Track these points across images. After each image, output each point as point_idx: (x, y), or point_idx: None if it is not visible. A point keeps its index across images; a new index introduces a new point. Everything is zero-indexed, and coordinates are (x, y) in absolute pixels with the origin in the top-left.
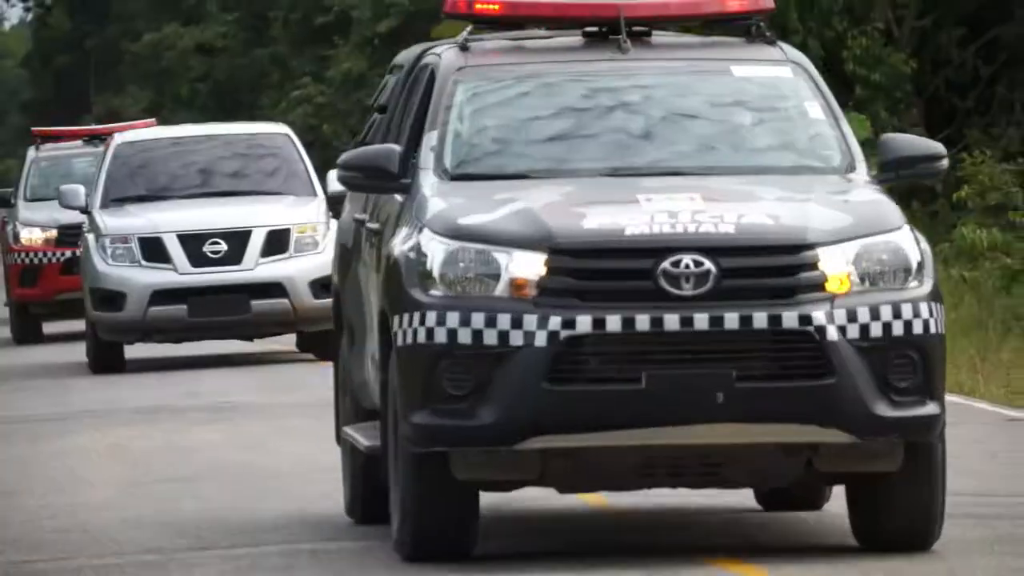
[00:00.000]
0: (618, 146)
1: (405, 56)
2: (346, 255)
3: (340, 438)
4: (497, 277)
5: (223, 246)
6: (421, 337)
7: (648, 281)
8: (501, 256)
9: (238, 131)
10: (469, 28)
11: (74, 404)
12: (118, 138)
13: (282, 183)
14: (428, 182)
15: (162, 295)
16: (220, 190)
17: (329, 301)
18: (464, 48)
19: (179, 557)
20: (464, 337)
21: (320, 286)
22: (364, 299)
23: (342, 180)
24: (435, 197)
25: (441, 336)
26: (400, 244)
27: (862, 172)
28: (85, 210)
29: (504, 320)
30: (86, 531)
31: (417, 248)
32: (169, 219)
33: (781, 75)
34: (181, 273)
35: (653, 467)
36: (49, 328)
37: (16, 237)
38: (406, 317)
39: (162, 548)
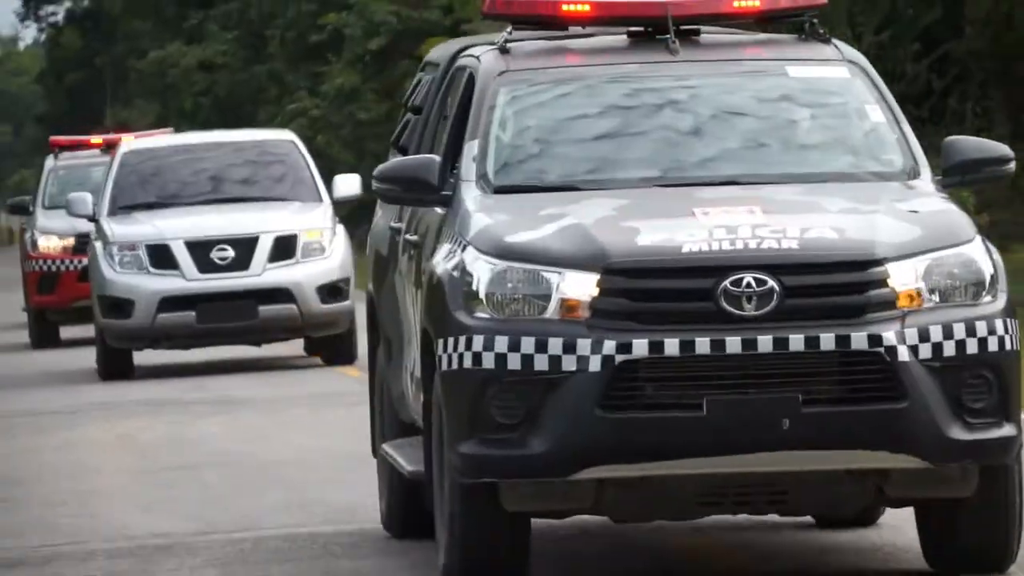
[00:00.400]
0: (669, 154)
1: (439, 53)
2: (381, 263)
3: (376, 451)
4: (547, 298)
5: (230, 252)
6: (467, 362)
7: (708, 302)
8: (551, 276)
9: (244, 138)
10: (508, 29)
11: (84, 399)
12: (125, 146)
13: (288, 189)
14: (470, 195)
15: (170, 302)
16: (227, 197)
17: (336, 306)
18: (504, 50)
19: (185, 540)
20: (513, 363)
21: (327, 291)
22: (402, 312)
23: (379, 193)
24: (479, 212)
25: (489, 361)
26: (443, 262)
27: (926, 178)
28: (92, 218)
29: (556, 344)
30: (97, 516)
31: (461, 267)
32: (176, 226)
33: (838, 75)
34: (189, 280)
35: (715, 495)
36: (66, 333)
37: (34, 245)
38: (451, 341)
39: (169, 532)
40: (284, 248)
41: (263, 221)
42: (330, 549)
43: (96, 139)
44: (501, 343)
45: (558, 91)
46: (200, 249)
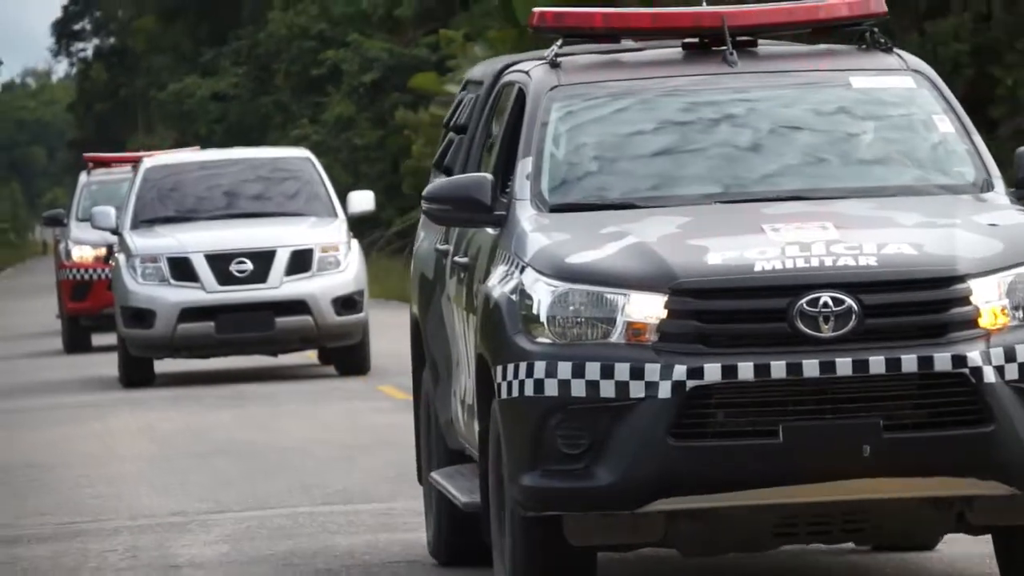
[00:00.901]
0: (730, 169)
1: (482, 71)
2: (427, 287)
3: (422, 478)
4: (612, 322)
5: (249, 265)
6: (529, 390)
7: (782, 323)
8: (616, 298)
9: (261, 155)
10: (558, 43)
11: (111, 395)
12: (147, 162)
13: (304, 205)
14: (526, 215)
15: (190, 312)
16: (245, 211)
17: (350, 318)
18: (554, 64)
19: (199, 519)
20: (578, 390)
21: (342, 304)
22: (450, 336)
23: (429, 213)
24: (536, 232)
25: (552, 389)
26: (499, 284)
27: (1000, 190)
28: (116, 231)
29: (622, 370)
30: (121, 498)
31: (519, 290)
32: (197, 239)
33: (904, 85)
34: (208, 291)
35: (791, 526)
36: (97, 340)
37: (68, 254)
38: (510, 367)
39: (184, 511)
40: (300, 262)
41: (280, 235)
42: (327, 527)
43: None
44: (564, 369)
45: (613, 106)
46: (219, 262)
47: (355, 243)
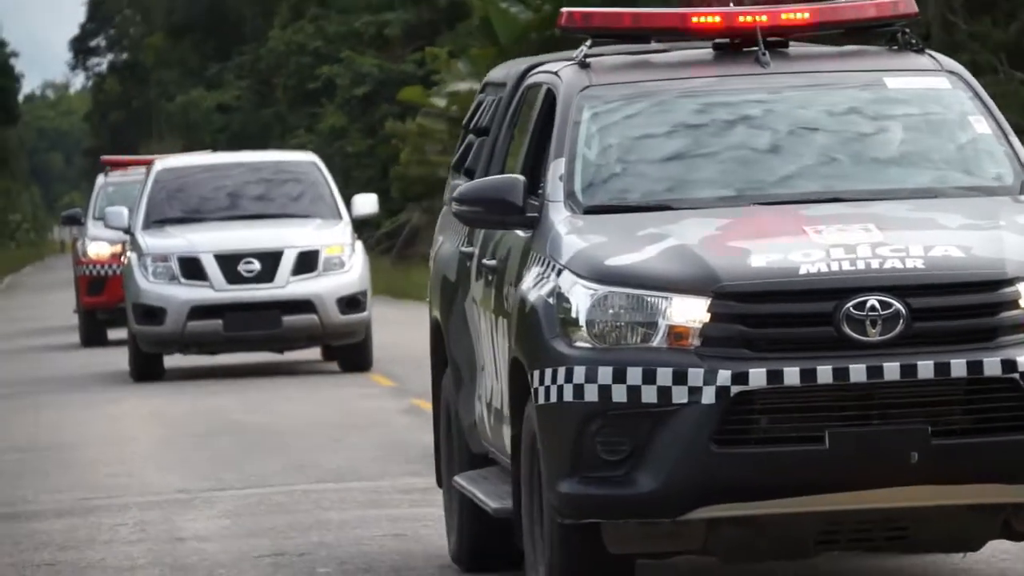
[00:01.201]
0: (767, 170)
1: (504, 73)
2: (449, 289)
3: (443, 482)
4: (654, 326)
5: (256, 265)
6: (568, 395)
7: (829, 327)
8: (658, 302)
9: (269, 159)
10: (587, 43)
11: (124, 382)
12: (159, 164)
13: (310, 207)
14: (559, 216)
15: (200, 310)
16: (253, 213)
17: (354, 317)
18: (584, 65)
19: (202, 495)
20: (619, 395)
21: (346, 303)
22: (475, 339)
23: (460, 215)
24: (571, 234)
25: (592, 394)
26: (534, 287)
27: None
28: (128, 230)
29: (665, 375)
30: (132, 475)
31: (556, 293)
32: (206, 240)
33: (939, 86)
34: (217, 290)
35: (833, 533)
36: (112, 335)
37: (85, 251)
38: (548, 372)
39: (189, 488)
40: (307, 262)
41: (287, 237)
42: (320, 504)
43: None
44: (605, 374)
45: (645, 106)
46: (228, 262)
47: (359, 244)
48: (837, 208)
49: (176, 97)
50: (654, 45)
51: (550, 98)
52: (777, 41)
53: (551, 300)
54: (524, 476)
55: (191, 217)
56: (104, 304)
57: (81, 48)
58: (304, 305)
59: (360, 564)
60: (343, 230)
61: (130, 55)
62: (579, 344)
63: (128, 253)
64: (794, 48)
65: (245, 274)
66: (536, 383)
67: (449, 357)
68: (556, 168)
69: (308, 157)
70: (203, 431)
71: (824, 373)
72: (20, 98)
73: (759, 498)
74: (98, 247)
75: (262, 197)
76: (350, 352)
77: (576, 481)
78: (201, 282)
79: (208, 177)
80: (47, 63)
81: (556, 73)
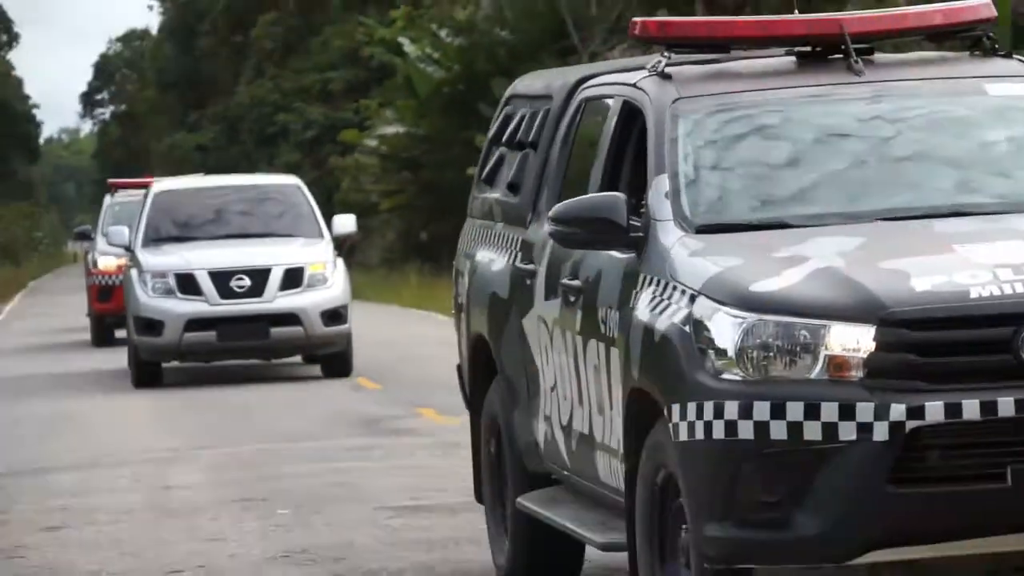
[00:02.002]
0: (881, 183)
1: (542, 84)
2: (500, 306)
3: (480, 496)
4: (811, 356)
5: (247, 281)
6: (719, 432)
7: (1007, 354)
8: (815, 330)
9: (256, 182)
10: (665, 54)
11: (125, 373)
12: (156, 187)
13: (294, 226)
14: (673, 237)
15: (195, 323)
16: (242, 232)
17: (336, 328)
18: (665, 76)
19: (185, 454)
20: (777, 432)
21: (329, 316)
22: (543, 358)
23: (558, 236)
24: (697, 257)
25: (746, 431)
26: (657, 313)
27: None
28: (128, 248)
29: (830, 410)
30: (129, 440)
31: (693, 321)
32: (201, 257)
33: None
34: (211, 304)
35: (995, 573)
36: (120, 334)
37: (95, 263)
38: (692, 407)
39: (176, 448)
40: (293, 278)
41: (275, 255)
42: (284, 458)
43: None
44: (761, 410)
45: (741, 117)
46: (221, 278)
47: (340, 261)
48: (970, 223)
49: (164, 139)
50: (727, 56)
51: (627, 110)
52: (861, 49)
53: (686, 328)
54: (643, 513)
55: (186, 236)
56: (113, 310)
57: (89, 100)
58: (290, 318)
59: (312, 507)
60: (325, 248)
61: (127, 106)
62: (727, 377)
63: (128, 269)
64: (878, 56)
65: (236, 289)
66: (676, 418)
67: (501, 374)
68: (659, 185)
69: (292, 180)
70: (186, 404)
71: (1005, 405)
72: (40, 140)
73: (934, 540)
74: (107, 260)
75: (251, 217)
76: (332, 360)
77: (729, 524)
78: (196, 297)
79: (201, 199)
80: (62, 113)
81: (634, 85)
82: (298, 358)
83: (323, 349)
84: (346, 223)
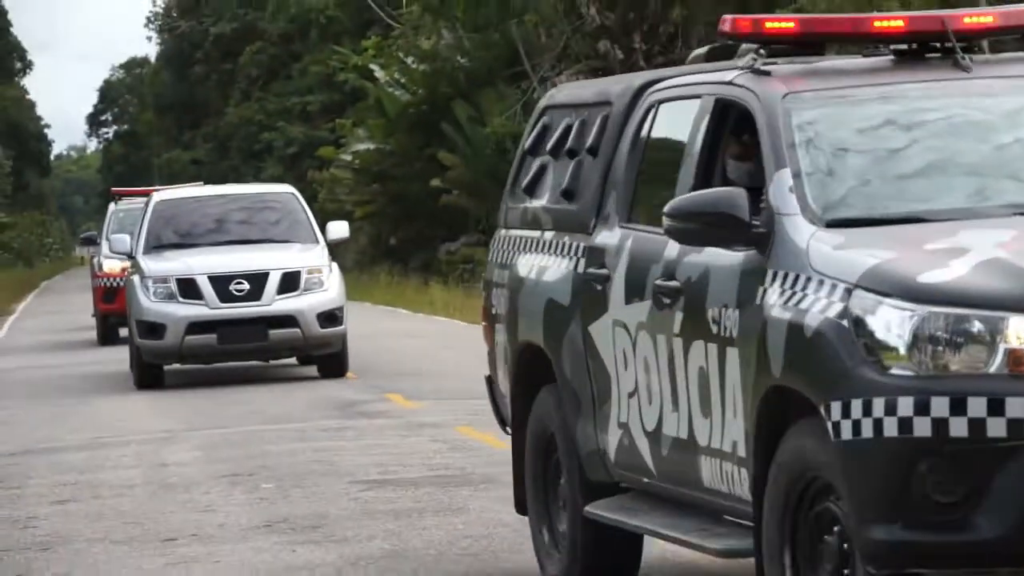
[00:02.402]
0: (1008, 178)
1: (595, 92)
2: (560, 313)
3: (523, 507)
4: (989, 349)
5: (246, 285)
6: (891, 430)
7: None
8: (993, 322)
9: (253, 191)
10: (760, 51)
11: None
12: (156, 196)
13: (290, 232)
14: (807, 231)
15: (196, 326)
16: (241, 239)
17: (332, 330)
18: (762, 73)
19: (181, 436)
20: (958, 429)
21: (325, 318)
22: (621, 364)
23: (674, 232)
24: (843, 250)
25: (923, 428)
26: (799, 309)
27: None
28: (130, 255)
29: (1016, 405)
30: (130, 423)
31: (849, 314)
32: (201, 263)
33: None
34: (212, 308)
35: None
36: (124, 333)
37: (100, 266)
38: (856, 404)
39: (172, 430)
40: (290, 282)
41: (272, 260)
42: (269, 439)
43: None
44: (939, 405)
45: (860, 112)
46: (221, 282)
47: (335, 265)
48: None
49: (163, 155)
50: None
51: (720, 108)
52: (963, 46)
53: (844, 322)
54: (775, 519)
55: (186, 243)
56: (116, 310)
57: (95, 121)
58: (288, 320)
59: (292, 482)
60: (320, 253)
61: (129, 126)
62: (896, 372)
63: (130, 275)
64: (975, 54)
65: (236, 293)
66: (837, 416)
67: (561, 382)
68: (781, 180)
69: (287, 189)
70: (185, 391)
71: None
72: (51, 157)
73: None
74: (111, 263)
75: (248, 224)
76: (328, 360)
77: (898, 527)
78: (197, 301)
79: (200, 207)
80: (70, 131)
81: (731, 83)
82: (294, 360)
83: (320, 350)
84: (340, 229)
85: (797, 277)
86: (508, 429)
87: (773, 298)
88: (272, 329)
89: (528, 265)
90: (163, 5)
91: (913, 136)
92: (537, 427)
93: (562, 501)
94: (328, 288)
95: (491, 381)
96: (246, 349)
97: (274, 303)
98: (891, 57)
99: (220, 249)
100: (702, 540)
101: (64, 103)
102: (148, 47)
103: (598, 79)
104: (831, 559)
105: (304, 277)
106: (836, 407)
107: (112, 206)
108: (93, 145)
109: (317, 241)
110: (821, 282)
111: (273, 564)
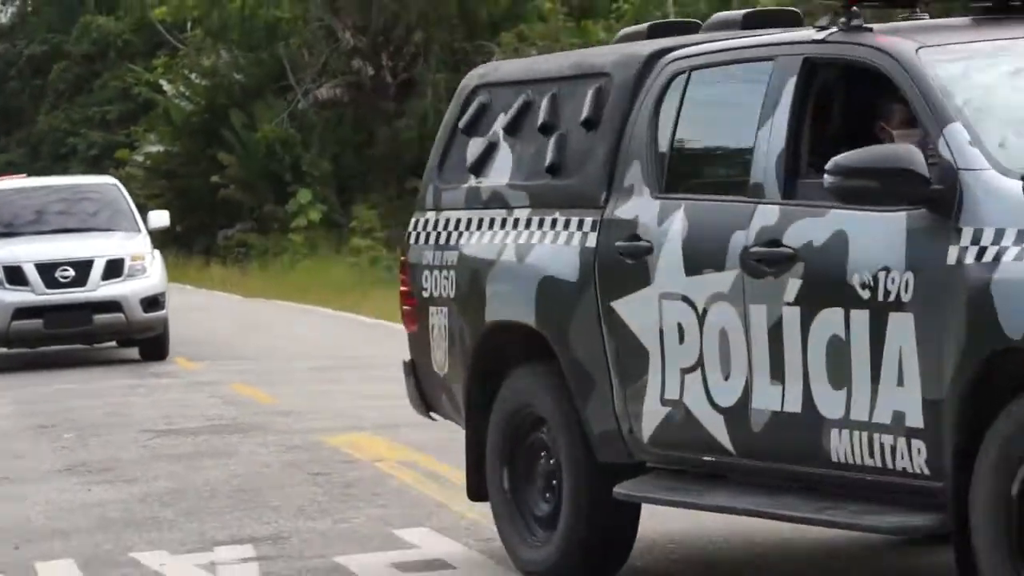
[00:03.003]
0: None
1: (572, 64)
2: (568, 290)
3: (476, 493)
4: None
5: (71, 272)
6: None
7: None
8: None
9: (76, 182)
10: (851, 7)
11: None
12: None
13: (112, 221)
14: (1007, 184)
15: (23, 311)
16: (66, 227)
17: (155, 314)
18: (865, 30)
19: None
20: None
21: (148, 303)
22: (662, 338)
23: (839, 189)
24: None
25: None
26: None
27: None
28: None
29: None
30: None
31: None
32: (27, 251)
33: None
34: (38, 294)
35: None
36: None
37: None
38: None
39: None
40: (114, 269)
41: (97, 247)
42: (72, 395)
43: None
44: None
45: (997, 67)
46: (47, 269)
47: (157, 253)
48: None
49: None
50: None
51: (808, 68)
52: None
53: None
54: (994, 504)
55: (11, 231)
56: None
57: None
58: (112, 305)
59: (90, 432)
60: (143, 241)
61: None
62: None
63: None
64: None
65: (61, 280)
66: None
67: (566, 363)
68: (955, 135)
69: (109, 180)
70: (8, 362)
71: None
72: None
73: None
74: None
75: (73, 214)
76: (150, 344)
77: None
78: (23, 287)
79: (27, 198)
80: None
81: (824, 41)
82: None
83: (143, 334)
84: (161, 218)
85: (1004, 233)
86: (432, 414)
87: (972, 257)
88: (97, 314)
89: (496, 244)
90: None
91: None
92: (508, 408)
93: (541, 483)
94: (151, 274)
95: (414, 365)
96: (71, 334)
97: (99, 289)
98: (970, 18)
99: (45, 237)
100: (852, 519)
101: None
102: None
103: (558, 53)
104: None
105: (128, 264)
106: None
107: None
108: None
109: (139, 230)
110: None
111: (72, 501)
